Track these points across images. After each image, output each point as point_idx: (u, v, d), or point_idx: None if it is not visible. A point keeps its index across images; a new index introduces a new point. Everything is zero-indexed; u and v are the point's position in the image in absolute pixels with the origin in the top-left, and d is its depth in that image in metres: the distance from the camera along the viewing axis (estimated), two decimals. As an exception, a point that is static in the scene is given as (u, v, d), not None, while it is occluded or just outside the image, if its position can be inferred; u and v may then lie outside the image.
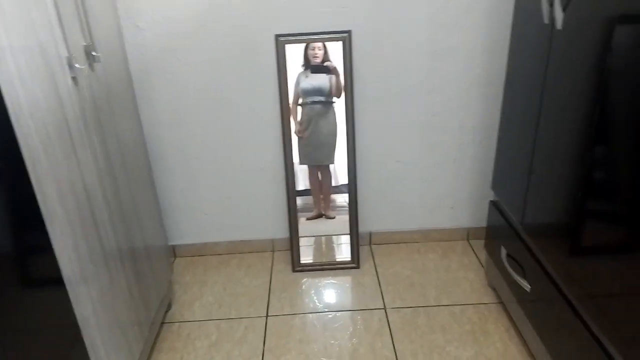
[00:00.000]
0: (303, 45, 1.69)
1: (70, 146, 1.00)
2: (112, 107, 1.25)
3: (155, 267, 1.52)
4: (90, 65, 1.12)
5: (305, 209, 1.90)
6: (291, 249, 1.91)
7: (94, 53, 1.11)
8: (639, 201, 0.89)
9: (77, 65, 1.02)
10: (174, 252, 2.04)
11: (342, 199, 1.89)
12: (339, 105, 1.76)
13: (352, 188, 1.85)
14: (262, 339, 1.57)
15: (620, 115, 0.93)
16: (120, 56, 1.35)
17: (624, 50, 0.91)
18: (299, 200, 1.89)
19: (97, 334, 1.09)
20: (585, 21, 1.03)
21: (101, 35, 1.21)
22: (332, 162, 1.83)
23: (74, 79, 1.01)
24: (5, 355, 0.79)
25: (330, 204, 1.89)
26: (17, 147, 0.83)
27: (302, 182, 1.87)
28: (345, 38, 1.68)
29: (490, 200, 1.66)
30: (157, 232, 1.57)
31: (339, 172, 1.86)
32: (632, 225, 0.91)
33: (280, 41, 1.68)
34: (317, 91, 1.75)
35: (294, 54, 1.70)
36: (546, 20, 1.20)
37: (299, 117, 1.78)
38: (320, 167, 1.85)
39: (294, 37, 1.68)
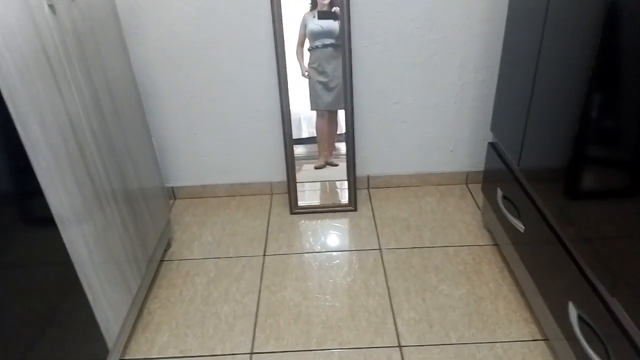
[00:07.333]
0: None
1: (51, 78, 0.98)
2: (98, 42, 1.21)
3: (152, 207, 1.53)
4: (71, -5, 1.07)
5: (308, 157, 1.87)
6: (289, 192, 1.91)
7: (74, -18, 1.07)
8: (634, 145, 0.86)
9: (54, -6, 0.97)
10: (173, 193, 2.06)
11: (344, 147, 1.86)
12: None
13: (349, 130, 1.82)
14: (260, 276, 1.61)
15: (619, 58, 0.89)
16: (105, -12, 1.29)
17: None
18: (302, 148, 1.86)
19: (91, 271, 1.11)
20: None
21: (82, -36, 1.15)
22: (342, 108, 1.79)
23: (51, 6, 0.97)
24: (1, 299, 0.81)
25: (334, 152, 1.86)
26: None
27: (307, 129, 1.83)
28: (343, -30, 1.59)
29: (489, 142, 1.63)
30: (152, 172, 1.57)
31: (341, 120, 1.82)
32: (627, 169, 0.89)
33: (275, -26, 1.59)
34: (327, 33, 1.67)
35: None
36: (553, -54, 1.12)
37: (307, 61, 1.71)
38: (329, 113, 1.81)
39: (289, -30, 1.59)
